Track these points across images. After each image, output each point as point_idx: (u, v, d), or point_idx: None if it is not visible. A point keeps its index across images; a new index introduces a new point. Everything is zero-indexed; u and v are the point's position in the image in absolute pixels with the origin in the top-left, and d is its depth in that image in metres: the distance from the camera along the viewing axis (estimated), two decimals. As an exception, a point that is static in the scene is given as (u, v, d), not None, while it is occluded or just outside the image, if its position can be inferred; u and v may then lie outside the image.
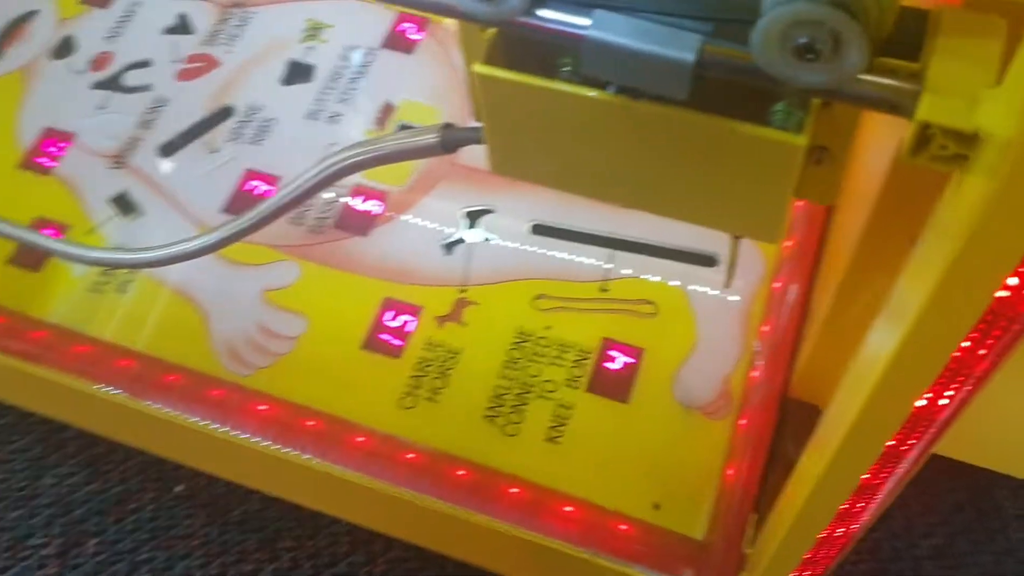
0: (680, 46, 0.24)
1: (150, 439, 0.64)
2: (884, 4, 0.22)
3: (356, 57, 0.72)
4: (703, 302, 0.60)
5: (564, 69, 0.27)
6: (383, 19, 0.73)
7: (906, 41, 0.23)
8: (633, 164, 0.28)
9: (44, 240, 0.52)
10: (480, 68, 0.27)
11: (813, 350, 0.51)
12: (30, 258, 0.65)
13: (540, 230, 0.64)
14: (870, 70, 0.23)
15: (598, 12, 0.25)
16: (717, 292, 0.60)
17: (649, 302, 0.60)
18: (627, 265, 0.62)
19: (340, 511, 0.62)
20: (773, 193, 0.27)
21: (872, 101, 0.23)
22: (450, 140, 0.34)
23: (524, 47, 0.27)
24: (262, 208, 0.41)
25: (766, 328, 0.58)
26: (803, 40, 0.22)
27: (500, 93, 0.28)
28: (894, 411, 0.27)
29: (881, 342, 0.27)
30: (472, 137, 0.32)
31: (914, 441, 0.28)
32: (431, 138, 0.34)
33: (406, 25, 0.73)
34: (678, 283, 0.61)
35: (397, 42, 0.72)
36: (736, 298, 0.60)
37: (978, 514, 0.60)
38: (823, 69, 0.22)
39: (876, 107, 0.23)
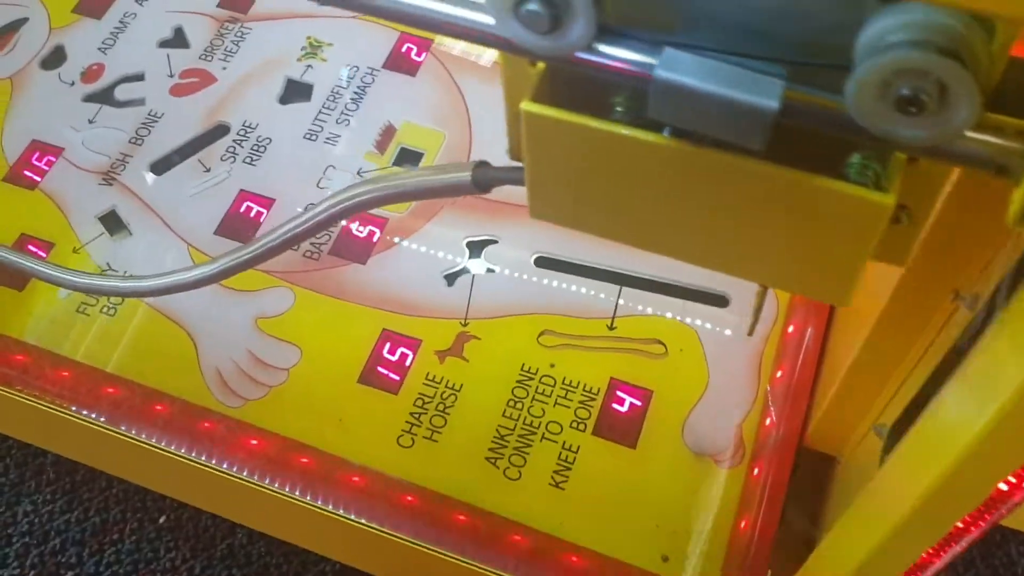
0: (761, 91, 0.21)
1: (133, 469, 0.61)
2: (994, 53, 0.20)
3: (356, 77, 0.69)
4: (715, 343, 0.57)
5: (617, 109, 0.25)
6: (385, 39, 0.71)
7: (1015, 95, 0.21)
8: (691, 214, 0.26)
9: (31, 263, 0.48)
10: (529, 107, 0.25)
11: (833, 399, 0.49)
12: (14, 278, 0.62)
13: (544, 262, 0.62)
14: (976, 127, 0.20)
15: (667, 50, 0.22)
16: (729, 333, 0.58)
17: (659, 342, 0.58)
18: (636, 302, 0.59)
19: (331, 551, 0.59)
20: (849, 254, 0.24)
21: (975, 161, 0.21)
22: (484, 179, 0.31)
23: (574, 83, 0.24)
24: (268, 239, 0.39)
25: (780, 373, 0.56)
26: (906, 91, 0.20)
27: (548, 134, 0.25)
28: (972, 492, 0.24)
29: (962, 413, 0.24)
30: (510, 178, 0.30)
31: (985, 522, 0.26)
32: (463, 176, 0.31)
33: (409, 46, 0.71)
34: (689, 322, 0.59)
35: (399, 63, 0.70)
36: (749, 340, 0.57)
37: (991, 571, 0.58)
38: (926, 124, 0.20)
39: (980, 167, 0.21)
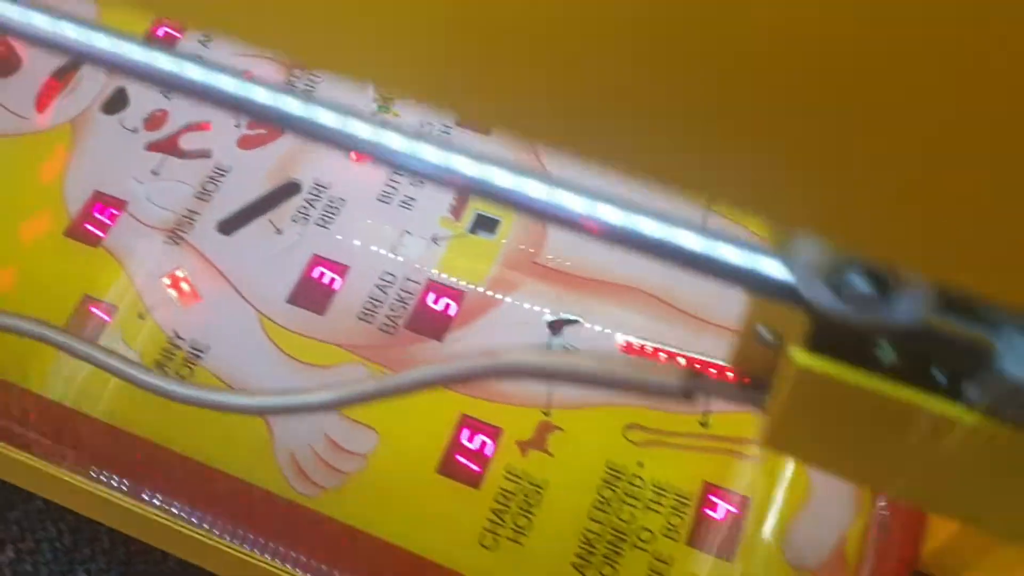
0: None
1: (190, 550, 0.58)
2: None
3: (431, 133, 0.66)
4: (813, 449, 0.55)
5: (881, 348, 0.22)
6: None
7: None
8: (966, 478, 0.23)
9: (110, 360, 0.45)
10: (802, 359, 0.22)
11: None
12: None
13: (630, 347, 0.59)
14: None
15: (1006, 330, 0.19)
16: (828, 438, 0.55)
17: (755, 443, 0.55)
18: (725, 395, 0.57)
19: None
20: None
21: None
22: (695, 390, 0.28)
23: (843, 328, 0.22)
24: (412, 377, 0.36)
25: (882, 484, 0.53)
26: None
27: (819, 386, 0.22)
28: None
29: None
30: (733, 396, 0.27)
31: None
32: (668, 380, 0.28)
33: (486, 104, 0.67)
34: (780, 420, 0.56)
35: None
36: (848, 447, 0.55)
37: None
38: None
39: None
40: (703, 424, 0.56)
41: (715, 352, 0.56)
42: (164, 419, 0.56)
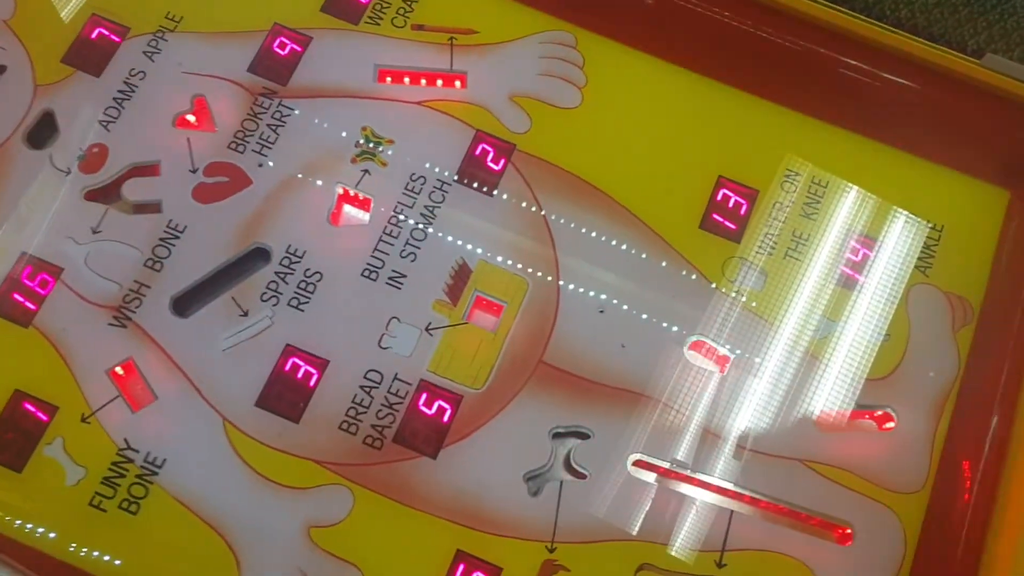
0: None
1: None
2: None
3: (423, 192, 0.55)
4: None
5: None
6: (459, 137, 0.56)
7: None
8: None
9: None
10: None
11: None
12: (8, 450, 0.49)
13: (645, 466, 0.51)
14: None
15: None
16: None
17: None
18: (750, 529, 0.50)
19: None
20: None
21: None
22: None
23: None
24: None
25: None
26: None
27: None
28: None
29: None
30: None
31: None
32: None
33: (485, 148, 0.56)
34: (808, 561, 0.49)
35: (475, 173, 0.55)
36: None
37: None
38: None
39: None
40: (719, 564, 0.49)
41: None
42: (127, 546, 0.47)
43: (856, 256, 0.54)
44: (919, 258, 0.54)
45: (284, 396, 0.50)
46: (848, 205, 0.55)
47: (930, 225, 0.55)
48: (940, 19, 0.56)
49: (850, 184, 0.56)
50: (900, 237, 0.55)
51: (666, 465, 0.51)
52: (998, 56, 0.53)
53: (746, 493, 0.50)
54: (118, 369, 0.50)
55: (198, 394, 0.50)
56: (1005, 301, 0.53)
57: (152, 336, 0.51)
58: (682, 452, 0.51)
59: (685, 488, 0.50)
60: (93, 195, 0.53)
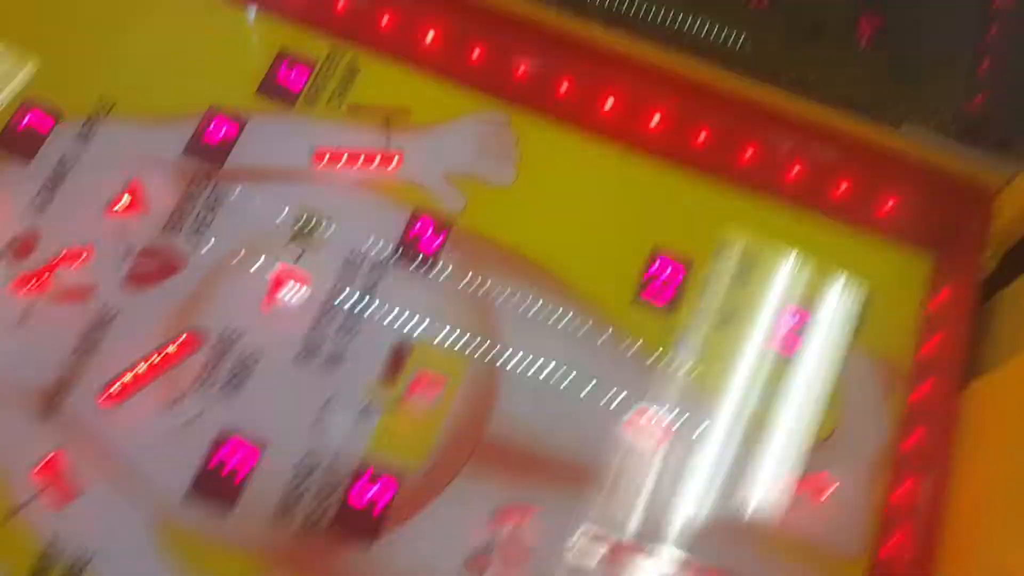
0: None
1: None
2: None
3: (361, 271, 0.54)
4: None
5: None
6: (395, 214, 0.56)
7: None
8: None
9: None
10: None
11: None
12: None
13: (592, 537, 0.50)
14: None
15: None
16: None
17: None
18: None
19: None
20: None
21: None
22: None
23: None
24: None
25: None
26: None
27: None
28: None
29: None
30: None
31: None
32: None
33: (421, 226, 0.56)
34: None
35: (413, 250, 0.55)
36: None
37: None
38: None
39: None
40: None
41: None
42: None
43: (788, 324, 0.55)
44: (850, 323, 0.55)
45: (217, 484, 0.49)
46: (779, 273, 0.56)
47: (859, 290, 0.56)
48: (861, 90, 0.58)
49: (779, 252, 0.56)
50: (831, 304, 0.55)
51: (614, 537, 0.50)
52: (915, 126, 0.55)
53: (694, 561, 0.49)
54: (44, 465, 0.48)
55: (128, 486, 0.49)
56: (933, 361, 0.54)
57: (81, 425, 0.49)
58: (627, 524, 0.50)
59: (630, 558, 0.49)
60: (24, 282, 0.52)
